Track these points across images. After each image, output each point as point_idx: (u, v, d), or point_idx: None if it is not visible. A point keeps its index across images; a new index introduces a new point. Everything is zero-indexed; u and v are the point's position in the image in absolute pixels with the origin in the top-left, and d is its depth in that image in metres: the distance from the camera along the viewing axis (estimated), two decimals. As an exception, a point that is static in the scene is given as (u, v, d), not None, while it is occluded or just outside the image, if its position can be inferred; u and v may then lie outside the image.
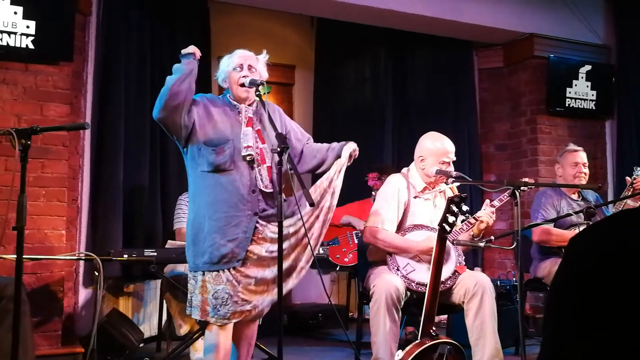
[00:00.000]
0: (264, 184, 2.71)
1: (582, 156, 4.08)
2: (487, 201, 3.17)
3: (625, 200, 3.80)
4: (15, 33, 3.62)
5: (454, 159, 3.24)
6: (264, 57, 2.91)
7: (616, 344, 0.65)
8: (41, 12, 3.68)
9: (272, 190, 2.72)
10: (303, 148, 2.93)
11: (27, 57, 3.68)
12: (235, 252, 2.62)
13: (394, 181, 3.26)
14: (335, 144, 2.92)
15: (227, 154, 2.67)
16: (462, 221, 3.11)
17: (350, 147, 2.85)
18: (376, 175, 4.71)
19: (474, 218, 3.11)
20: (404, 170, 3.34)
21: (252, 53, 2.88)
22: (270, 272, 2.68)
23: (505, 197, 3.12)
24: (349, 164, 2.86)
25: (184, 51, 2.74)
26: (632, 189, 3.77)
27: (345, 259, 4.65)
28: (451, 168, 3.20)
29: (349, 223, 4.74)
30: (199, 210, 2.70)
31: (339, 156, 2.86)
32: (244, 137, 2.71)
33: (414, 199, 3.19)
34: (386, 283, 2.90)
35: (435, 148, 3.20)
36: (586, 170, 4.07)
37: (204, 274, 2.65)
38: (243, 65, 2.79)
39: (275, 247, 2.65)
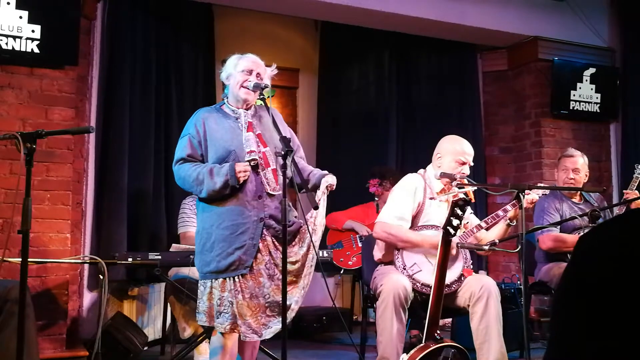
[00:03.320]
0: (271, 187, 2.71)
1: (574, 161, 4.01)
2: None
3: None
4: (20, 37, 3.64)
5: (472, 163, 3.24)
6: (272, 69, 2.90)
7: (622, 346, 0.65)
8: (46, 16, 3.70)
9: (280, 192, 2.71)
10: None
11: (32, 61, 3.70)
12: (243, 259, 2.63)
13: (411, 180, 3.25)
14: (316, 171, 2.89)
15: None
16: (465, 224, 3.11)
17: (328, 180, 2.78)
18: (377, 182, 4.70)
19: (512, 204, 3.10)
20: (421, 171, 3.34)
21: (263, 62, 2.88)
22: (262, 296, 2.67)
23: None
24: (326, 193, 2.80)
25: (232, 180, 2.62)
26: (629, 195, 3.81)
27: (349, 262, 4.65)
28: (467, 170, 3.20)
29: (352, 228, 4.74)
30: (207, 220, 2.71)
31: (316, 185, 2.81)
32: (245, 142, 2.71)
33: (429, 199, 3.18)
34: (394, 283, 2.89)
35: (453, 148, 3.23)
36: (575, 176, 3.98)
37: (212, 281, 2.66)
38: (252, 71, 2.80)
39: (274, 271, 2.68)
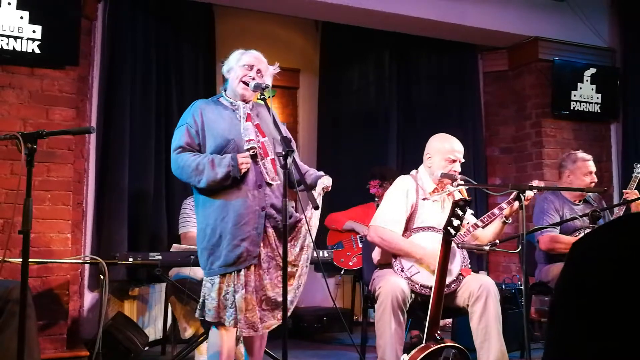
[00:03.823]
0: (270, 176, 2.71)
1: (592, 164, 4.05)
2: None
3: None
4: (21, 38, 3.64)
5: (462, 159, 3.24)
6: (274, 68, 2.90)
7: (621, 347, 0.65)
8: (47, 17, 3.71)
9: (279, 182, 2.71)
10: None
11: (33, 62, 3.70)
12: (250, 249, 2.63)
13: (403, 182, 3.25)
14: (312, 171, 2.91)
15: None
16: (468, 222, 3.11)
17: (324, 182, 2.79)
18: (378, 183, 4.70)
19: (507, 202, 3.11)
20: (413, 172, 3.34)
21: (266, 60, 2.88)
22: (260, 289, 2.67)
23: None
24: (322, 195, 2.80)
25: (233, 173, 2.62)
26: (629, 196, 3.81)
27: (350, 263, 4.65)
28: (458, 167, 3.20)
29: (352, 229, 4.73)
30: (210, 216, 2.70)
31: (312, 186, 2.81)
32: (244, 131, 2.71)
33: (422, 200, 3.18)
34: (392, 285, 2.89)
35: (442, 146, 3.22)
36: (595, 179, 4.04)
37: (219, 276, 2.65)
38: (253, 67, 2.80)
39: (271, 264, 2.69)
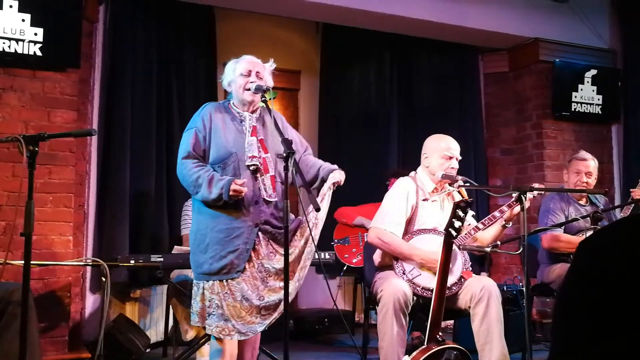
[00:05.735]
0: (268, 193, 2.73)
1: (587, 165, 3.98)
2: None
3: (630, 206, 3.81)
4: (23, 40, 3.64)
5: (459, 157, 3.26)
6: (270, 65, 2.92)
7: (625, 348, 0.65)
8: (49, 19, 3.71)
9: (276, 199, 2.73)
10: (299, 160, 2.93)
11: (34, 64, 3.71)
12: (235, 263, 2.65)
13: (402, 184, 3.26)
14: (326, 165, 2.91)
15: (231, 168, 2.71)
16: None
17: (335, 177, 2.81)
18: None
19: (508, 205, 3.11)
20: (412, 173, 3.35)
21: (259, 60, 2.90)
22: (256, 298, 2.68)
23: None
24: (333, 189, 2.83)
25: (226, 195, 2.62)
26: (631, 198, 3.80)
27: (354, 260, 4.62)
28: (455, 164, 3.21)
29: (362, 224, 4.70)
30: (202, 222, 2.73)
31: (324, 180, 2.83)
32: (248, 147, 2.73)
33: (422, 201, 3.19)
34: (394, 288, 2.89)
35: (438, 145, 3.25)
36: (588, 180, 3.96)
37: (204, 282, 2.69)
38: (251, 72, 2.81)
39: (266, 274, 2.70)
